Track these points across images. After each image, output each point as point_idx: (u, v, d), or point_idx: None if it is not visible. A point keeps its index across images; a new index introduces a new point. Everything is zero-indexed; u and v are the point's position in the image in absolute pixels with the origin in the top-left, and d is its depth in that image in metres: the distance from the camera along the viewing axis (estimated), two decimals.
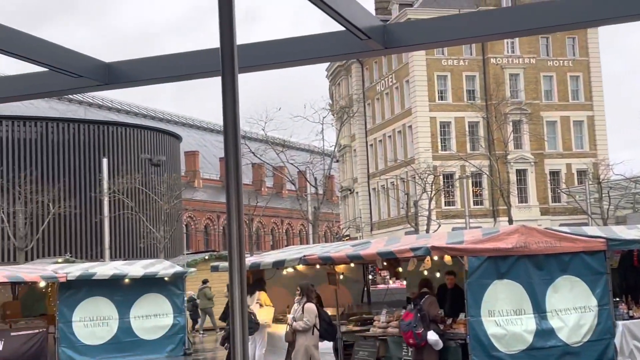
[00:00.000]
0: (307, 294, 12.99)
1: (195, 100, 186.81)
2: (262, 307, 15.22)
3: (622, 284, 14.39)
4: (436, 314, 12.31)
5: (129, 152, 57.14)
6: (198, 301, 29.29)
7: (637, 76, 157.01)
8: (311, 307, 12.86)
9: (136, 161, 55.95)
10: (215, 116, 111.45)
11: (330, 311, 15.05)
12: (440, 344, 12.12)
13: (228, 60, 2.64)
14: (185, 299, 20.15)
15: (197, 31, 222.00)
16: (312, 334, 12.77)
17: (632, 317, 13.20)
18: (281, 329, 14.26)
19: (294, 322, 12.91)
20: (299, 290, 13.20)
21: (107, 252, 37.48)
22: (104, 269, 19.71)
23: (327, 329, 13.09)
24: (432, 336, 12.04)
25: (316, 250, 15.77)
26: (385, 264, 15.84)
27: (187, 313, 29.24)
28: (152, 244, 47.53)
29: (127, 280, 19.06)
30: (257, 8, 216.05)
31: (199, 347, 25.05)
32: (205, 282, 28.54)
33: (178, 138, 66.77)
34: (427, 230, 47.36)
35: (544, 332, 11.96)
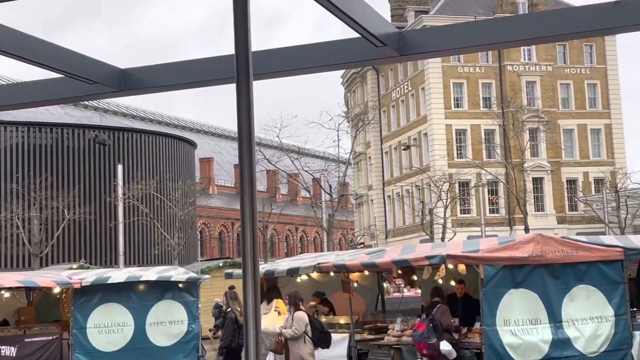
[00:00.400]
0: (295, 303, 12.95)
1: (210, 107, 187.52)
2: (280, 315, 15.20)
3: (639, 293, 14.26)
4: (449, 323, 12.24)
5: (144, 158, 57.35)
6: (224, 307, 29.43)
7: None
8: (301, 315, 12.79)
9: (151, 167, 56.17)
10: (230, 123, 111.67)
11: (343, 319, 15.01)
12: (454, 354, 12.05)
13: (243, 67, 2.63)
14: (200, 305, 20.13)
15: (218, 38, 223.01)
16: (305, 342, 12.70)
17: None
18: None
19: (283, 330, 12.89)
20: (287, 299, 13.16)
21: (121, 259, 37.55)
22: (118, 274, 19.74)
23: (319, 337, 12.97)
24: (445, 346, 11.98)
25: (331, 258, 15.72)
26: (400, 272, 15.77)
27: (212, 318, 29.57)
28: (166, 251, 47.61)
29: (141, 287, 19.07)
30: (280, 15, 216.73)
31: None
32: (231, 288, 28.62)
33: (193, 144, 66.95)
34: (443, 239, 47.19)
35: (560, 342, 11.86)
